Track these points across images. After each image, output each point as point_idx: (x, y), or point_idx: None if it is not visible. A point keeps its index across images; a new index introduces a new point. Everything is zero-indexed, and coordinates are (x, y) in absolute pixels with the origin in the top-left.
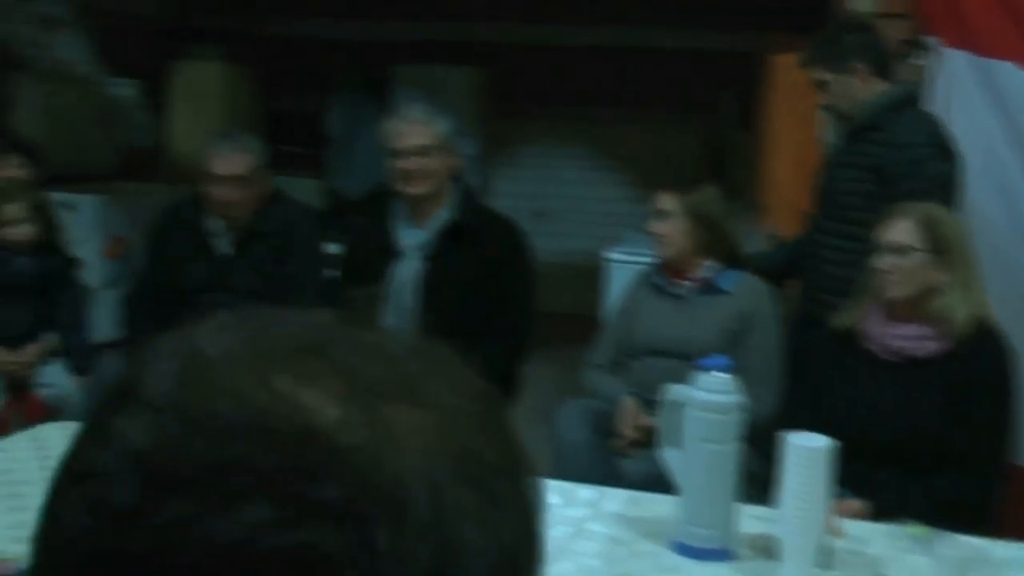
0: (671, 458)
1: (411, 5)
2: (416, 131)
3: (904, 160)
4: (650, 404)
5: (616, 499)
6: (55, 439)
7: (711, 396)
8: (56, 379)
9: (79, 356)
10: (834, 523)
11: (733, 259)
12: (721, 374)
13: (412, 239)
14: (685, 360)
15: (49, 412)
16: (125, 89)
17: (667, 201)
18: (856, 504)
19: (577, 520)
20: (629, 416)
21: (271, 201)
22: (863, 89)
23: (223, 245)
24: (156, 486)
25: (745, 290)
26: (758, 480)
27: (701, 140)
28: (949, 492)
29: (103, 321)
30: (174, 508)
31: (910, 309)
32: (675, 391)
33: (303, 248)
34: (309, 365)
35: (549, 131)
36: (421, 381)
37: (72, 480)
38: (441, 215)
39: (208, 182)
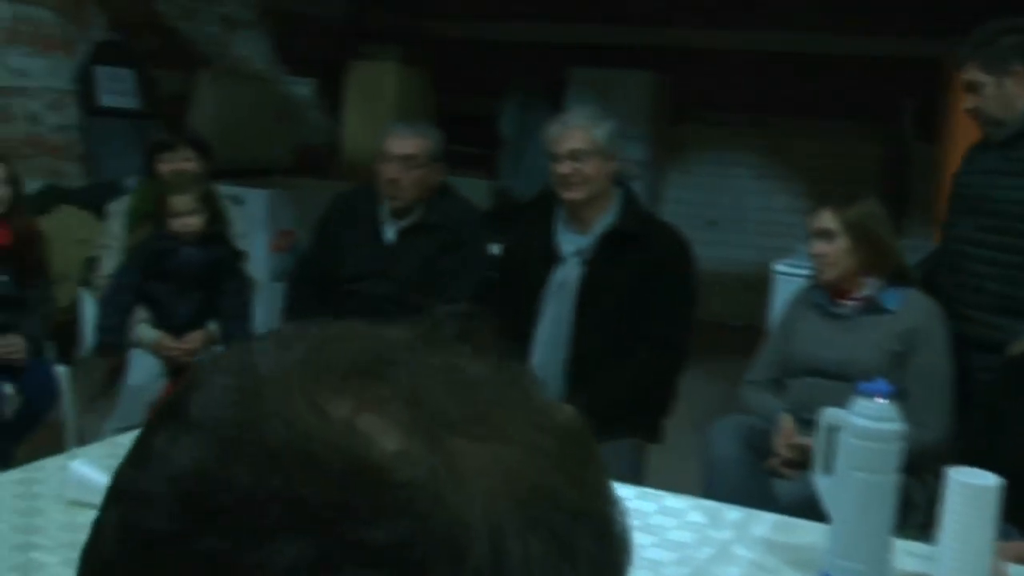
0: (823, 485)
1: (588, 8)
2: (574, 135)
3: None
4: (808, 424)
5: (765, 523)
6: None
7: (869, 423)
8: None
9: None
10: (1000, 568)
11: (898, 276)
12: (881, 399)
13: (572, 244)
14: (845, 381)
15: None
16: (301, 88)
17: (826, 219)
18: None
19: (722, 542)
20: (785, 435)
21: (440, 196)
22: (1021, 95)
23: (389, 234)
24: (192, 514)
25: (911, 309)
26: (919, 513)
27: (879, 150)
28: None
29: (268, 313)
30: (209, 539)
31: None
32: (831, 415)
33: (467, 244)
34: (370, 388)
35: (723, 138)
36: (495, 412)
37: (113, 499)
38: (603, 220)
39: (381, 161)
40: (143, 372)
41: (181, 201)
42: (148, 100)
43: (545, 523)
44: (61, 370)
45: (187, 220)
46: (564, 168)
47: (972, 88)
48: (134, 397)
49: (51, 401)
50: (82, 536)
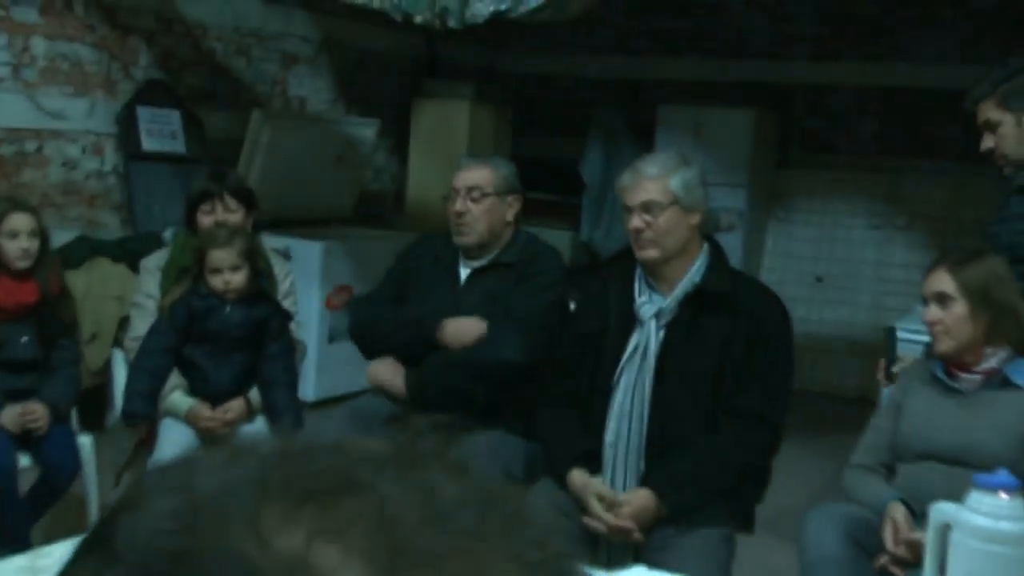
0: None
1: (680, 41)
2: (647, 186)
3: None
4: (922, 518)
5: None
6: None
7: (988, 521)
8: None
9: (281, 415)
10: None
11: None
12: (1005, 494)
13: (651, 306)
14: (966, 468)
15: None
16: (364, 129)
17: (942, 280)
18: None
19: None
20: (898, 529)
21: (519, 237)
22: None
23: (462, 276)
24: None
25: None
26: None
27: None
28: None
29: (319, 379)
30: None
31: None
32: (943, 510)
33: (536, 280)
34: (329, 514)
35: (834, 183)
36: (474, 545)
37: None
38: (686, 280)
39: (449, 198)
40: (175, 444)
41: (222, 256)
42: (195, 144)
43: None
44: (85, 440)
45: (228, 277)
46: (636, 223)
47: (989, 127)
48: None
49: (72, 474)
50: None
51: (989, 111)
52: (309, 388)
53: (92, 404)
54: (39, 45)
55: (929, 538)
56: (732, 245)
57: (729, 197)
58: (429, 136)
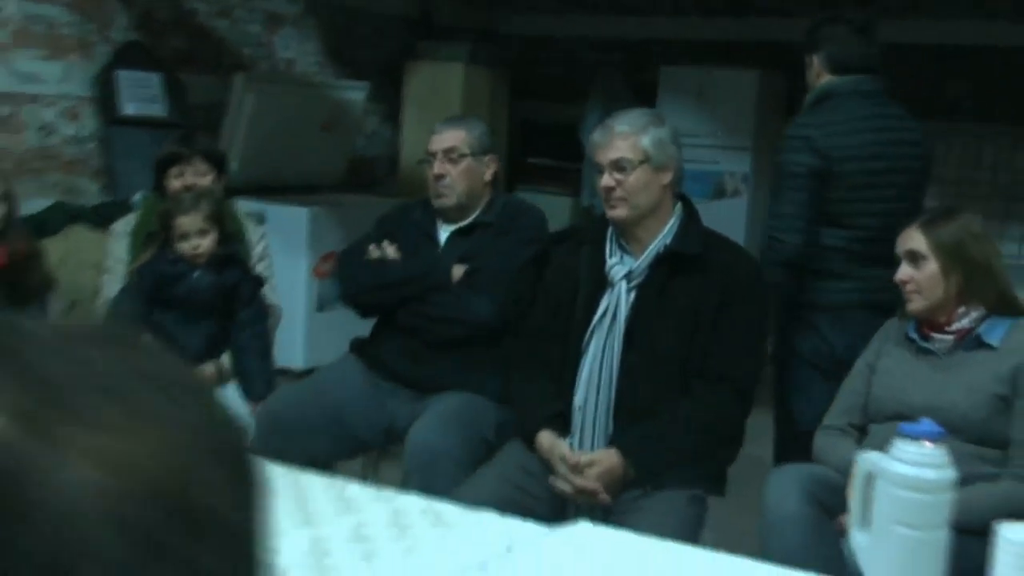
0: (859, 542)
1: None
2: (618, 144)
3: None
4: None
5: None
6: None
7: (912, 470)
8: (229, 403)
9: (252, 381)
10: None
11: (1003, 305)
12: (929, 442)
13: (622, 267)
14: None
15: None
16: (354, 92)
17: (914, 239)
18: None
19: None
20: None
21: (497, 196)
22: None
23: (442, 238)
24: None
25: (1018, 344)
26: None
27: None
28: None
29: (307, 346)
30: None
31: None
32: (867, 459)
33: (513, 236)
34: None
35: None
36: (126, 400)
37: None
38: (658, 240)
39: (428, 162)
40: None
41: (188, 221)
42: (177, 108)
43: (164, 520)
44: None
45: (196, 242)
46: (607, 181)
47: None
48: None
49: None
50: None
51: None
52: (298, 357)
53: None
54: (11, 6)
55: (855, 487)
56: (737, 211)
57: (734, 161)
58: (423, 100)
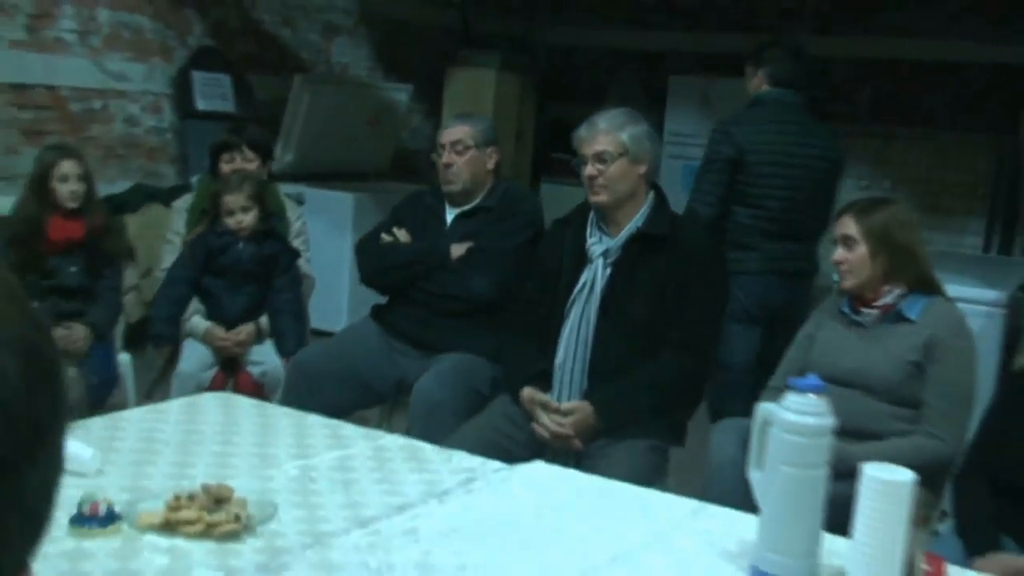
0: (755, 479)
1: (693, 16)
2: (600, 138)
3: None
4: None
5: (712, 516)
6: (209, 409)
7: (797, 417)
8: (265, 358)
9: (285, 340)
10: (916, 562)
11: (923, 285)
12: (811, 394)
13: (600, 246)
14: (862, 391)
15: (257, 388)
16: (399, 93)
17: (847, 225)
18: (1010, 560)
19: (660, 533)
20: None
21: (498, 183)
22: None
23: (448, 219)
24: None
25: (932, 319)
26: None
27: (994, 162)
28: None
29: (350, 312)
30: None
31: None
32: (763, 408)
33: (511, 221)
34: None
35: None
36: None
37: None
38: (632, 223)
39: (437, 153)
40: (194, 360)
41: (234, 199)
42: (244, 105)
43: None
44: (124, 357)
45: (240, 217)
46: (590, 170)
47: None
48: (185, 384)
49: (111, 387)
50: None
51: None
52: (342, 321)
53: (143, 330)
54: (103, 15)
55: (754, 433)
56: None
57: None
58: (460, 101)
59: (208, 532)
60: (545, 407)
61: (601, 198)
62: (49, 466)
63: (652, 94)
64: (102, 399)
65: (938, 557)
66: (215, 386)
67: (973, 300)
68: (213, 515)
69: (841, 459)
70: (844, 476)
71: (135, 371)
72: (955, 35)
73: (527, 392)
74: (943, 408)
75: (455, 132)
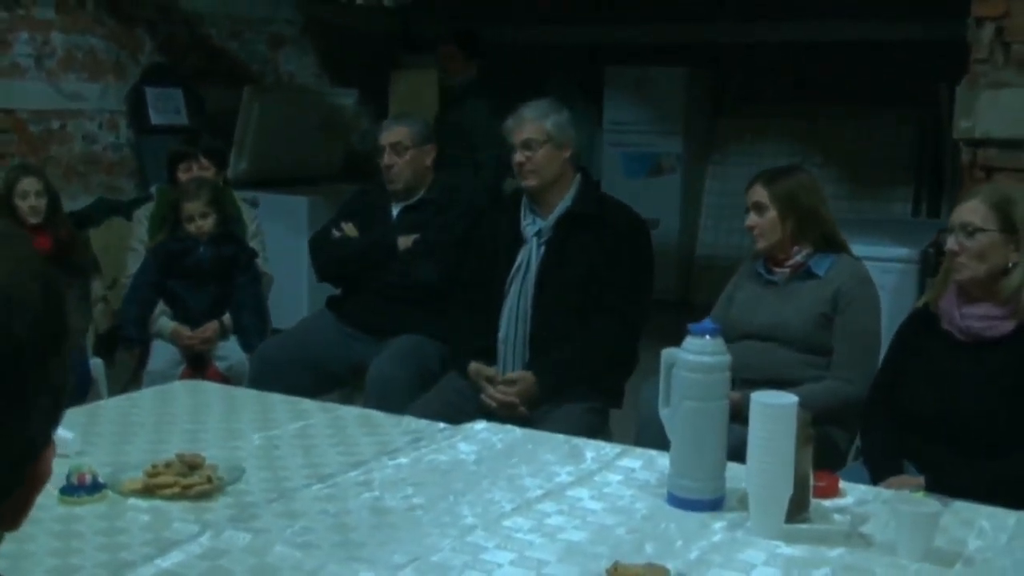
0: (664, 415)
1: (623, 8)
2: (526, 126)
3: None
4: (744, 384)
5: (639, 458)
6: (180, 397)
7: (695, 357)
8: (230, 353)
9: (248, 334)
10: (811, 480)
11: (828, 243)
12: (708, 336)
13: (533, 227)
14: (777, 343)
15: (224, 381)
16: (344, 98)
17: (758, 192)
18: (909, 479)
19: (589, 471)
20: None
21: (438, 177)
22: None
23: (394, 214)
24: None
25: (838, 273)
26: (839, 454)
27: (916, 134)
28: (1014, 472)
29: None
30: None
31: (982, 289)
32: (668, 353)
33: (450, 212)
34: None
35: (760, 130)
36: None
37: None
38: (561, 204)
39: (379, 154)
40: (163, 359)
41: (193, 206)
42: (196, 117)
43: None
44: (96, 361)
45: (199, 223)
46: (519, 157)
47: None
48: (155, 382)
49: (84, 390)
50: None
51: None
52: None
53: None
54: (57, 38)
55: (661, 374)
56: (671, 186)
57: (667, 143)
58: (405, 102)
59: (184, 493)
60: (491, 380)
61: (530, 182)
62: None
63: (587, 85)
64: (78, 401)
65: (831, 473)
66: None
67: (897, 259)
68: (188, 478)
69: None
70: None
71: (107, 375)
72: (872, 15)
73: (473, 366)
74: (851, 353)
75: (393, 134)
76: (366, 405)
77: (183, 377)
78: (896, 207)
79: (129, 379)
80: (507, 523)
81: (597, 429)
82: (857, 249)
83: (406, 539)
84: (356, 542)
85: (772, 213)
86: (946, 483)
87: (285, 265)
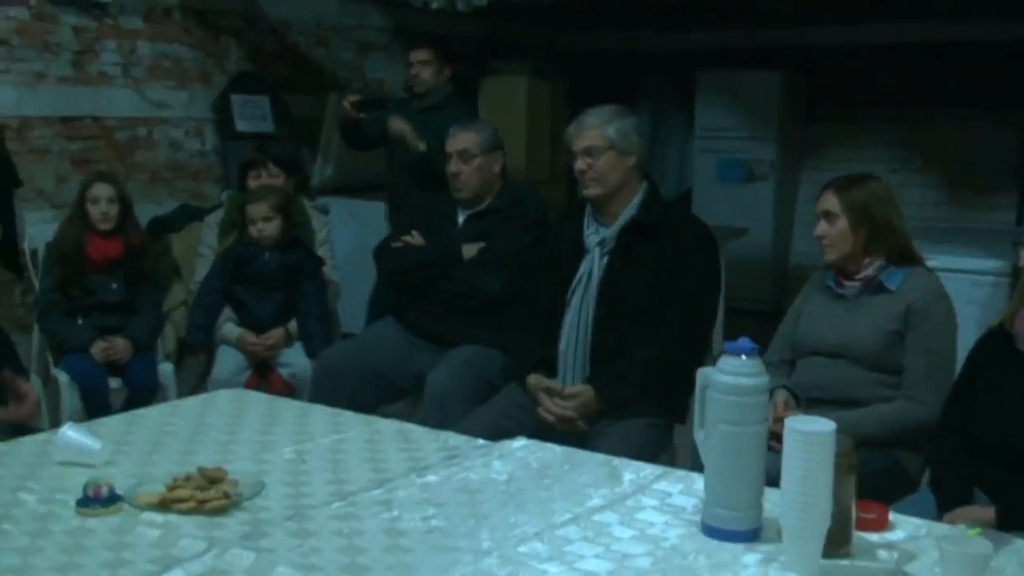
0: (699, 438)
1: (714, 13)
2: (587, 133)
3: None
4: (814, 403)
5: (679, 481)
6: (221, 406)
7: (731, 378)
8: (295, 360)
9: (313, 342)
10: (844, 509)
11: (902, 256)
12: (745, 356)
13: (596, 237)
14: (846, 361)
15: (288, 388)
16: None
17: (828, 201)
18: (977, 511)
19: (622, 495)
20: (777, 410)
21: (507, 185)
22: None
23: (459, 221)
24: None
25: (912, 288)
26: (909, 480)
27: (1019, 138)
28: None
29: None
30: None
31: None
32: (702, 373)
33: (517, 222)
34: None
35: (857, 134)
36: None
37: None
38: (625, 213)
39: (446, 161)
40: (228, 366)
41: (255, 209)
42: (282, 124)
43: None
44: (167, 367)
45: (261, 226)
46: (580, 165)
47: None
48: (219, 388)
49: (152, 394)
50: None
51: None
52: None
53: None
54: (144, 47)
55: (696, 396)
56: (764, 192)
57: (760, 150)
58: (493, 109)
59: (199, 508)
60: (550, 392)
61: (593, 191)
62: None
63: (680, 91)
64: (145, 404)
65: (879, 504)
66: (248, 388)
67: (989, 271)
68: (205, 493)
69: None
70: None
71: (180, 380)
72: (971, 15)
73: (533, 378)
74: (923, 373)
75: (460, 141)
76: (426, 417)
77: (248, 384)
78: (1000, 215)
79: (196, 383)
80: (523, 549)
81: (658, 445)
82: (947, 260)
83: (415, 564)
84: (362, 565)
85: (843, 223)
86: (1019, 514)
87: (365, 270)
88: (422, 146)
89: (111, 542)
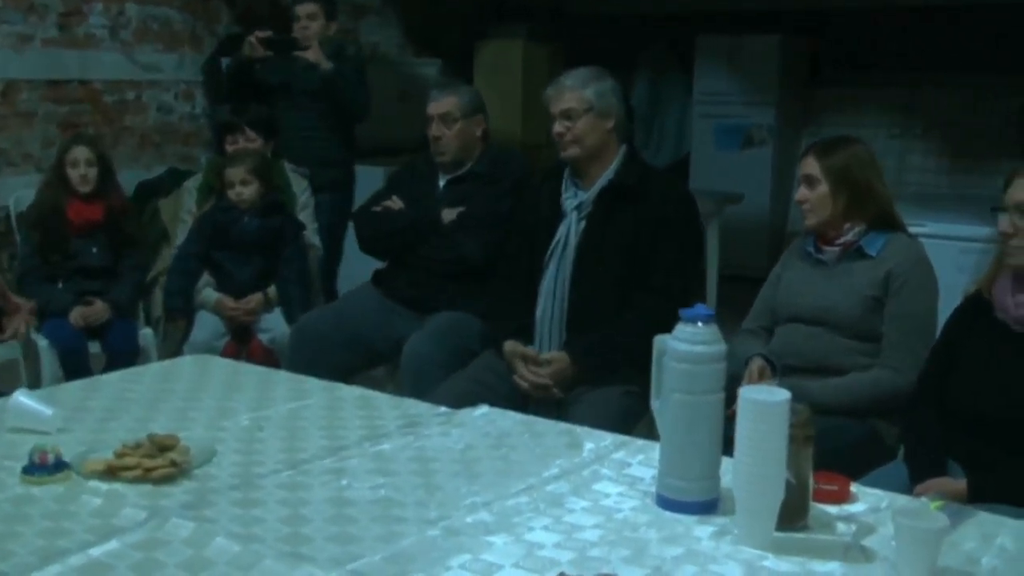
0: (655, 408)
1: None
2: (566, 96)
3: None
4: (791, 371)
5: (643, 450)
6: (185, 373)
7: (687, 346)
8: (274, 325)
9: (292, 307)
10: (811, 484)
11: (882, 221)
12: (701, 324)
13: (573, 200)
14: (824, 328)
15: (267, 354)
16: (426, 68)
17: (809, 164)
18: (948, 483)
19: (584, 462)
20: (751, 378)
21: (488, 148)
22: None
23: (440, 185)
24: None
25: (891, 254)
26: (886, 450)
27: (1019, 104)
28: None
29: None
30: None
31: None
32: (659, 341)
33: (498, 185)
34: None
35: (857, 98)
36: None
37: None
38: (603, 176)
39: (427, 125)
40: (207, 330)
41: (234, 172)
42: None
43: None
44: (147, 331)
45: (239, 190)
46: (558, 128)
47: None
48: (197, 352)
49: (132, 358)
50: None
51: None
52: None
53: None
54: (132, 9)
55: (653, 364)
56: (763, 158)
57: (759, 114)
58: (490, 73)
59: (146, 476)
60: (526, 359)
61: (571, 152)
62: None
63: (679, 55)
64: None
65: (842, 476)
66: (227, 354)
67: (980, 238)
68: (153, 461)
69: (799, 396)
70: None
71: (165, 346)
72: None
73: (509, 345)
74: (901, 340)
75: (442, 105)
76: (402, 383)
77: (226, 349)
78: (1001, 182)
79: (176, 350)
80: (470, 519)
81: (635, 413)
82: (938, 228)
83: (358, 534)
84: (304, 536)
85: (824, 187)
86: (992, 485)
87: None
88: (328, 64)
89: (53, 511)
